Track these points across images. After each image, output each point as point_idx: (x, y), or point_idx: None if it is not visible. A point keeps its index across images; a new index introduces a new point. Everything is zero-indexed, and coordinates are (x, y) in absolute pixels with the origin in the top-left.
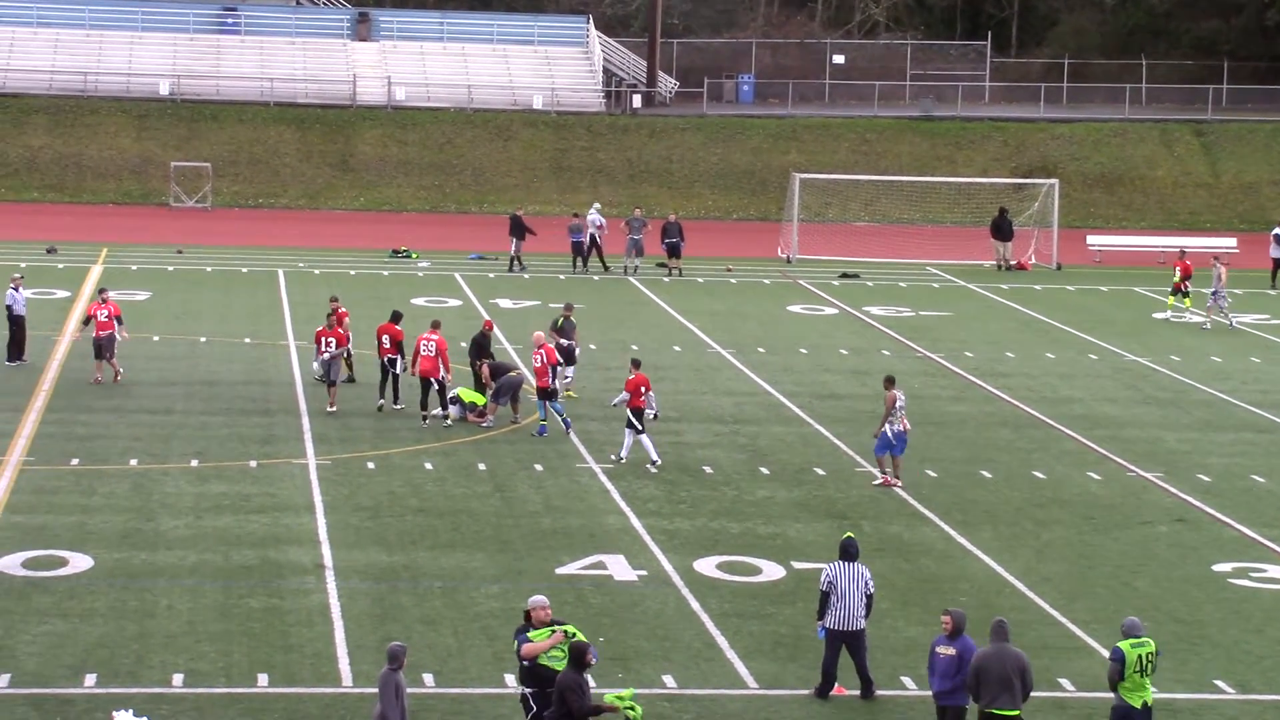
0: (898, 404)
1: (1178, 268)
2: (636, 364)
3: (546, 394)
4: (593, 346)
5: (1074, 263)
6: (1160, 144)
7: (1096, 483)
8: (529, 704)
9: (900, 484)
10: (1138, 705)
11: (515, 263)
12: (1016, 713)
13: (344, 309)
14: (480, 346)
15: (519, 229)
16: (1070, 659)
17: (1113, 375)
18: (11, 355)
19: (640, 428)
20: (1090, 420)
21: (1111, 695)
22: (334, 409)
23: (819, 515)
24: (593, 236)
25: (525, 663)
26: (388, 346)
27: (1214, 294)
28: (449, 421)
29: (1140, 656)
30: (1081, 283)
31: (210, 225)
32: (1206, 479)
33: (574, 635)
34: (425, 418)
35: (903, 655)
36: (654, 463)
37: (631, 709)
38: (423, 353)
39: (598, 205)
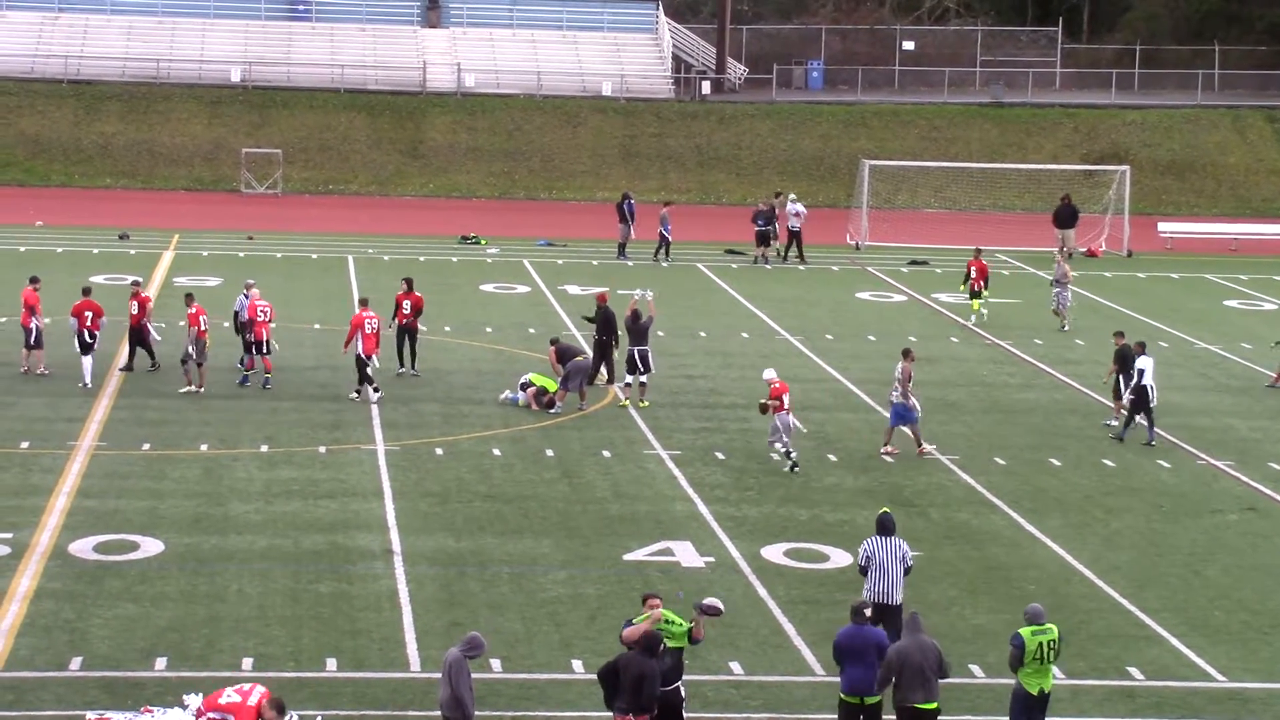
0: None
1: (972, 267)
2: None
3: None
4: (661, 333)
5: (1145, 250)
6: (1232, 130)
7: (1166, 471)
8: None
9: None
10: (1034, 691)
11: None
12: (934, 706)
13: (145, 294)
14: (606, 322)
15: (625, 214)
16: (1139, 648)
17: (1183, 363)
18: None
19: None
20: (1160, 408)
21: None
22: (201, 389)
23: (886, 502)
24: (792, 227)
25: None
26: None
27: (1056, 292)
28: (358, 397)
29: (1041, 644)
30: (1152, 270)
31: (281, 211)
32: (1278, 467)
33: (671, 620)
34: (359, 393)
35: (971, 643)
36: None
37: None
38: (366, 331)
39: (793, 195)
